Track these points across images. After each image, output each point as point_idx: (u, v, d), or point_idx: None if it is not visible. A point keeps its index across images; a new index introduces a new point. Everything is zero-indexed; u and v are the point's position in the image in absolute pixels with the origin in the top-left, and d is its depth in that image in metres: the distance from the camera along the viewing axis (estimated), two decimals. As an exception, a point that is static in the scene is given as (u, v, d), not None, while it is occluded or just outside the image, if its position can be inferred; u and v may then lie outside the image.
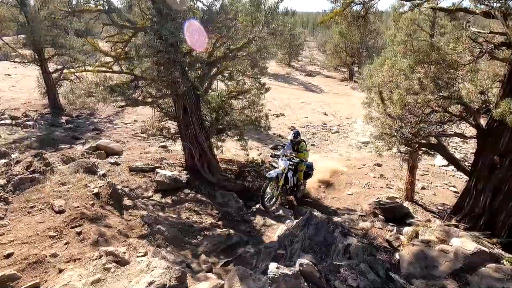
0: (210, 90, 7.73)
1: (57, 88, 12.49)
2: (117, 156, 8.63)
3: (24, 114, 11.53)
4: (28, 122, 10.67)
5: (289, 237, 4.09)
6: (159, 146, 9.81)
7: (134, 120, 12.64)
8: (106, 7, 5.22)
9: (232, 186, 7.32)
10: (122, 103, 6.21)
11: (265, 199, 6.37)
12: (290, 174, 6.57)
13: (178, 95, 6.35)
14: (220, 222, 5.51)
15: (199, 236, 4.94)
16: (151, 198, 6.08)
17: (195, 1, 5.91)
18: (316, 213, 5.45)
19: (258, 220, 5.99)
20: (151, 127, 8.67)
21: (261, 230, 5.75)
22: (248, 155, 9.08)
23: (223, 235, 5.12)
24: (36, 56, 11.82)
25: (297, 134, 6.75)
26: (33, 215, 4.04)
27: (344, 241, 3.33)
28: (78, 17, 8.40)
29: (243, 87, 8.16)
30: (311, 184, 8.09)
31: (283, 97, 17.92)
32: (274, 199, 6.61)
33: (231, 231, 5.29)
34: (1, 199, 3.93)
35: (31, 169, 4.49)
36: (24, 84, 14.72)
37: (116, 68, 6.38)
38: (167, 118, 7.84)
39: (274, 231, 5.61)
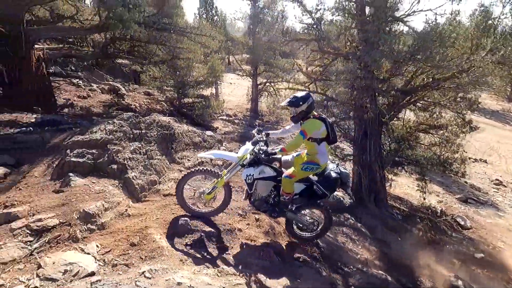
0: (395, 119, 7.22)
1: (259, 97, 15.56)
2: (290, 163, 9.72)
3: (234, 114, 15.20)
4: (235, 120, 13.98)
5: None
6: (327, 163, 10.18)
7: (309, 134, 13.77)
8: (319, 37, 5.98)
9: (397, 226, 6.52)
10: (309, 119, 6.93)
11: (185, 200, 3.93)
12: (250, 172, 3.69)
13: (361, 119, 6.36)
14: (377, 262, 5.06)
15: (351, 267, 4.76)
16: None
17: (401, 26, 5.72)
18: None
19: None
20: (325, 144, 9.14)
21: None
22: (424, 199, 7.78)
23: (378, 277, 4.67)
24: (252, 71, 15.24)
25: (300, 100, 3.50)
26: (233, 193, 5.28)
27: None
28: (287, 43, 10.00)
29: (438, 121, 7.06)
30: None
31: (489, 138, 13.96)
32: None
33: (388, 277, 4.73)
34: (217, 175, 5.41)
35: (236, 158, 5.87)
36: (238, 91, 19.38)
37: (308, 86, 7.22)
38: (343, 139, 8.02)
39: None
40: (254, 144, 3.69)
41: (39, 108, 6.79)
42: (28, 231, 3.22)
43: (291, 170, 3.67)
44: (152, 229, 3.64)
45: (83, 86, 10.13)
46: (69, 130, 5.57)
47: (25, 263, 2.88)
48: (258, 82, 15.66)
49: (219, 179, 3.82)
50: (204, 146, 6.02)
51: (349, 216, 6.36)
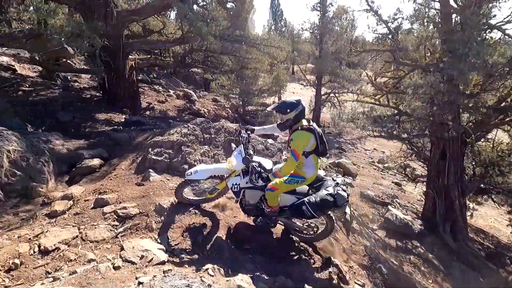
0: (483, 139, 6.31)
1: (322, 108, 15.26)
2: (351, 178, 9.24)
3: (294, 123, 15.21)
4: (295, 130, 13.97)
5: None
6: (393, 182, 9.38)
7: (374, 149, 12.91)
8: (395, 47, 5.63)
9: (478, 264, 5.62)
10: (377, 134, 6.52)
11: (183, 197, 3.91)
12: (237, 181, 3.54)
13: (440, 138, 5.71)
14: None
15: (419, 301, 4.27)
16: (375, 231, 6.00)
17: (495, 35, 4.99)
18: None
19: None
20: (392, 161, 8.47)
21: None
22: (517, 236, 6.57)
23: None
24: (316, 81, 15.07)
25: (288, 107, 3.19)
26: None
27: None
28: (358, 54, 9.60)
29: (542, 146, 5.93)
30: None
31: None
32: None
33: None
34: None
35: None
36: (300, 101, 19.33)
37: (378, 99, 6.80)
38: (415, 158, 7.31)
39: None
40: (246, 162, 3.37)
41: (127, 110, 7.85)
42: (115, 216, 3.72)
43: (274, 182, 3.37)
44: (215, 228, 3.85)
45: (162, 92, 11.37)
46: (150, 130, 6.29)
47: (111, 243, 3.33)
48: (322, 93, 15.38)
49: (220, 182, 3.79)
50: (267, 154, 6.15)
51: (418, 244, 5.74)
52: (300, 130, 3.18)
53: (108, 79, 7.68)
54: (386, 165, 10.13)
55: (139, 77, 9.23)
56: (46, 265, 2.93)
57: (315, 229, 3.88)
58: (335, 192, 3.32)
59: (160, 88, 11.72)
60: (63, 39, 6.85)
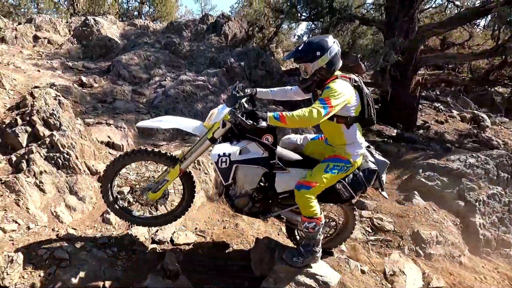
0: None
1: None
2: None
3: None
4: None
5: None
6: None
7: None
8: None
9: None
10: None
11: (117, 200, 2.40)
12: (225, 149, 2.03)
13: None
14: None
15: None
16: None
17: None
18: None
19: None
20: None
21: None
22: None
23: None
24: None
25: (315, 48, 1.88)
26: None
27: None
28: None
29: None
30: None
31: None
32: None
33: None
34: None
35: None
36: None
37: None
38: None
39: None
40: (232, 102, 2.11)
41: (400, 125, 7.72)
42: (370, 223, 3.86)
43: (307, 176, 2.08)
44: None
45: (443, 111, 10.05)
46: (422, 150, 5.82)
47: (366, 248, 3.49)
48: None
49: (170, 167, 2.29)
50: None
51: None
52: (340, 79, 2.00)
53: (391, 93, 7.91)
54: None
55: (423, 93, 8.68)
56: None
57: (331, 223, 2.61)
58: (374, 158, 2.31)
59: (441, 106, 10.37)
60: (359, 55, 7.90)
